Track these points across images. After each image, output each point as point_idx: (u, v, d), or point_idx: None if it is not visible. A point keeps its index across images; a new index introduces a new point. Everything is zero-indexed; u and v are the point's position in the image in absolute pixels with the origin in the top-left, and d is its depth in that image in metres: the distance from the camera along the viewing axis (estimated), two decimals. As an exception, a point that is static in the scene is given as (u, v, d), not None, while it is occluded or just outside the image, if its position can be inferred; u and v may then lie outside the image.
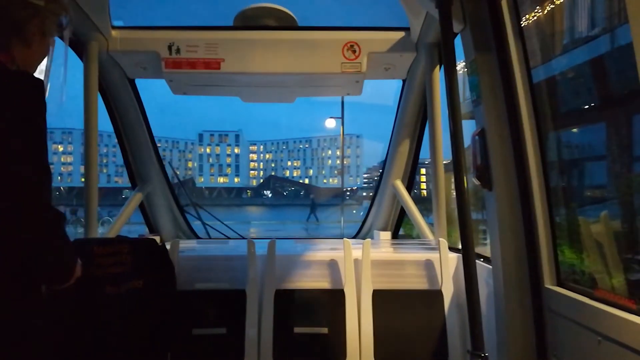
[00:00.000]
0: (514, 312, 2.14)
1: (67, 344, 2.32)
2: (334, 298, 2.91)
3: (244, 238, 3.57)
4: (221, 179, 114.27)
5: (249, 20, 3.17)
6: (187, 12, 3.39)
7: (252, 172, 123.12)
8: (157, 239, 3.03)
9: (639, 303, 1.57)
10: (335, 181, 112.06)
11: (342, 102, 25.88)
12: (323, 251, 3.21)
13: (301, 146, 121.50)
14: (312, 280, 3.01)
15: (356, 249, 3.03)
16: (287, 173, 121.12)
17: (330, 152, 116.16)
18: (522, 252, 2.14)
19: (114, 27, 3.01)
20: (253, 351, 2.77)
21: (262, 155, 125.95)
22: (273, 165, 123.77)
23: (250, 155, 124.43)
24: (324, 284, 2.99)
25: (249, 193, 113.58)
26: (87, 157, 3.01)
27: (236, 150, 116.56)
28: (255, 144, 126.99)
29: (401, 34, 3.12)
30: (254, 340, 2.79)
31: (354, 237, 4.26)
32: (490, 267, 2.32)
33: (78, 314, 2.43)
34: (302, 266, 3.06)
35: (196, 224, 4.09)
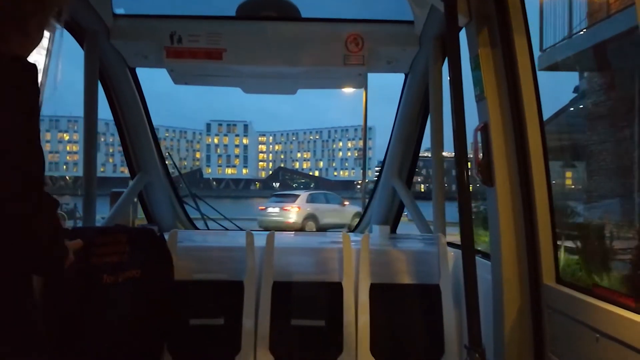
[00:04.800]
0: (512, 308, 2.13)
1: (64, 333, 2.33)
2: (332, 291, 2.90)
3: (242, 230, 3.57)
4: (229, 170, 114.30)
5: (252, 11, 3.15)
6: (190, 1, 3.36)
7: (260, 163, 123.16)
8: (156, 229, 3.03)
9: (637, 301, 1.57)
10: (346, 174, 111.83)
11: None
12: (322, 244, 3.21)
13: (311, 137, 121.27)
14: (310, 273, 3.00)
15: (355, 243, 3.03)
16: (297, 165, 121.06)
17: (341, 143, 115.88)
18: (521, 248, 2.14)
19: (115, 16, 2.99)
20: (250, 342, 2.77)
21: (271, 146, 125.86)
22: (282, 156, 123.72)
23: (260, 146, 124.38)
24: (322, 277, 2.98)
25: (257, 185, 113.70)
26: (87, 147, 3.01)
27: (245, 141, 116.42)
28: (264, 135, 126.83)
29: (404, 27, 3.09)
30: (250, 331, 2.79)
31: (352, 231, 4.25)
32: (489, 263, 2.31)
33: (75, 302, 2.44)
34: (300, 259, 3.06)
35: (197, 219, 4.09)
